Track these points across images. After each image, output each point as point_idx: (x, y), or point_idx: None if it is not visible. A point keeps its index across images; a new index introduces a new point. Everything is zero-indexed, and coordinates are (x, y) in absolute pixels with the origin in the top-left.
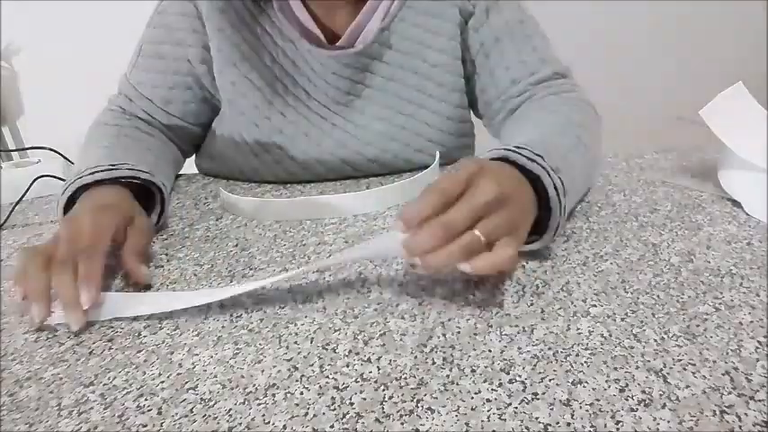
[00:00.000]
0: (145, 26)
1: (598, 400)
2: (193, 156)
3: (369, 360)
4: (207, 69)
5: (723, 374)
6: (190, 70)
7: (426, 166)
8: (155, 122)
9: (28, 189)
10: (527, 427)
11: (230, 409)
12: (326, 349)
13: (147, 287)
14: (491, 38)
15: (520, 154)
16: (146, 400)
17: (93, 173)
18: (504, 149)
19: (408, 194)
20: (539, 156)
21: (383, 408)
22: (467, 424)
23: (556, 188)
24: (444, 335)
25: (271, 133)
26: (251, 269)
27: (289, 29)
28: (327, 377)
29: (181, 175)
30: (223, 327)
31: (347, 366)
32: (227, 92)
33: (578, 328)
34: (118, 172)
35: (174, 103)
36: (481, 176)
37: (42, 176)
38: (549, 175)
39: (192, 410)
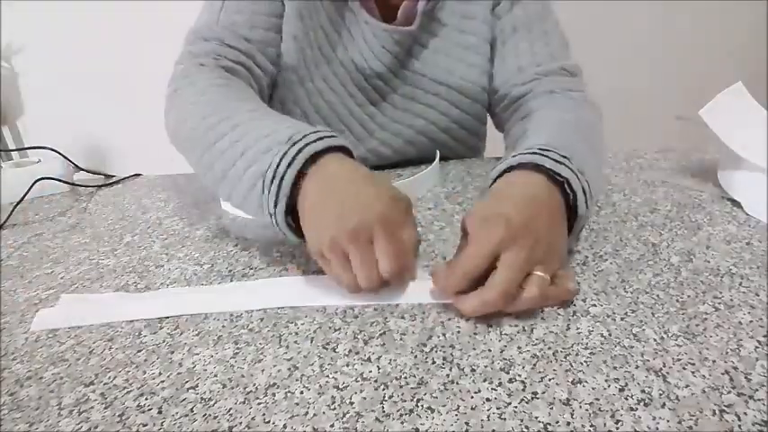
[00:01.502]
0: None
1: (598, 399)
2: None
3: (369, 360)
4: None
5: (722, 374)
6: (281, 12)
7: (445, 146)
8: (250, 64)
9: (28, 190)
10: (527, 427)
11: (230, 409)
12: (326, 349)
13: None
14: (510, 27)
15: (547, 156)
16: (146, 399)
17: (320, 138)
18: (531, 153)
19: (409, 193)
20: (565, 158)
21: (383, 407)
22: (467, 423)
23: (584, 191)
24: (444, 334)
25: (310, 95)
26: (251, 269)
27: (352, 1)
28: (327, 377)
29: (181, 175)
30: (223, 326)
31: (347, 366)
32: (287, 43)
33: (578, 328)
34: (335, 140)
35: (271, 45)
36: (509, 246)
37: (42, 179)
38: (578, 178)
39: (192, 410)
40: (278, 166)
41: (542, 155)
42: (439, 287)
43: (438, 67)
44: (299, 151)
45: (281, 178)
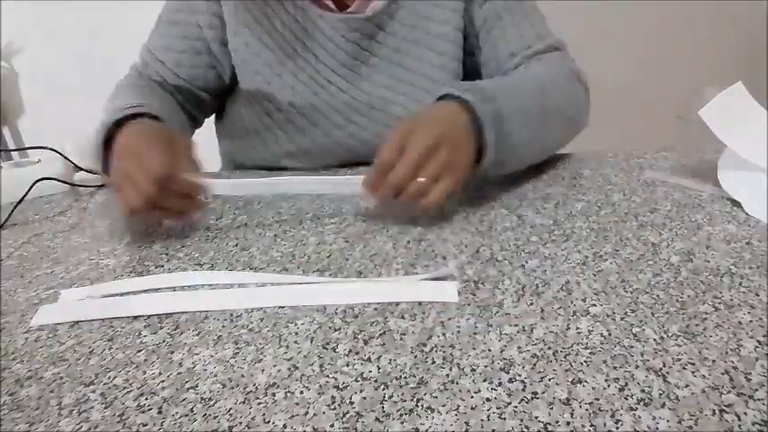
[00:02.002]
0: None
1: (598, 399)
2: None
3: (369, 359)
4: (215, 36)
5: (722, 374)
6: (199, 35)
7: None
8: (167, 85)
9: (28, 191)
10: (527, 427)
11: (230, 409)
12: (326, 349)
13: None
14: (493, 14)
15: (457, 87)
16: (146, 399)
17: (125, 108)
18: (449, 85)
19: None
20: (474, 89)
21: (383, 407)
22: (467, 423)
23: (489, 113)
24: (444, 334)
25: (282, 90)
26: (251, 269)
27: None
28: (327, 376)
29: None
30: (223, 326)
31: (347, 366)
32: (240, 53)
33: (578, 328)
34: (146, 108)
35: (183, 66)
36: (413, 133)
37: (42, 179)
38: (480, 102)
39: (192, 410)
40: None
41: (453, 86)
42: (366, 188)
43: (408, 56)
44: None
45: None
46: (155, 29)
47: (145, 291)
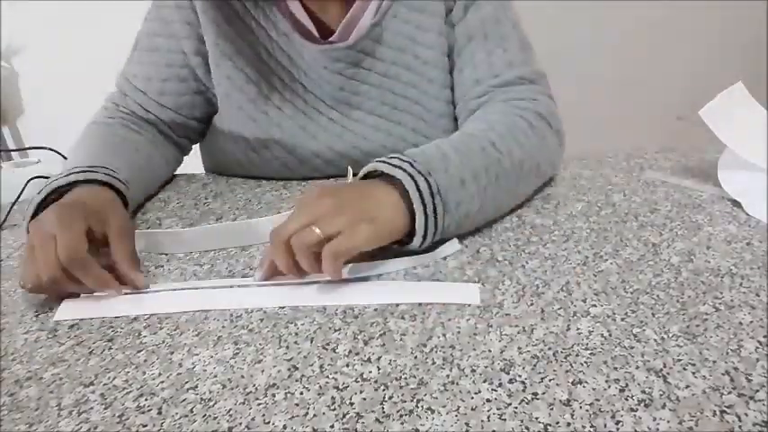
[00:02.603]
0: (142, 22)
1: (598, 400)
2: (199, 155)
3: (369, 360)
4: (201, 61)
5: (723, 374)
6: (184, 62)
7: None
8: (149, 116)
9: (23, 190)
10: (527, 427)
11: (230, 409)
12: (326, 349)
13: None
14: (465, 36)
15: (388, 163)
16: (146, 400)
17: (68, 174)
18: (379, 161)
19: None
20: (407, 162)
21: (383, 408)
22: (467, 424)
23: (425, 188)
24: (444, 335)
25: (268, 128)
26: (251, 269)
27: (283, 23)
28: (327, 377)
29: (181, 174)
30: (223, 327)
31: (347, 366)
32: (223, 86)
33: (578, 328)
34: (94, 174)
35: (167, 95)
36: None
37: (35, 178)
38: (414, 177)
39: (192, 410)
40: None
41: (384, 162)
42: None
43: (399, 81)
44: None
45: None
46: (131, 56)
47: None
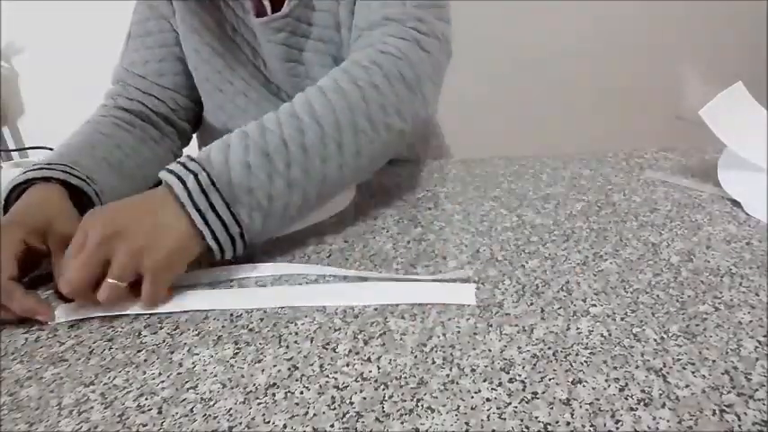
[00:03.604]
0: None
1: (598, 399)
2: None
3: (369, 360)
4: None
5: (723, 374)
6: (176, 40)
7: None
8: (152, 102)
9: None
10: (527, 427)
11: (230, 409)
12: (326, 349)
13: None
14: None
15: (165, 169)
16: (146, 399)
17: (26, 171)
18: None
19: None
20: (180, 164)
21: (383, 407)
22: (467, 423)
23: (196, 186)
24: (444, 334)
25: (234, 97)
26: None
27: (246, 2)
28: (327, 376)
29: None
30: (223, 326)
31: (347, 366)
32: (191, 60)
33: (578, 328)
34: (50, 172)
35: (166, 74)
36: (82, 233)
37: None
38: (182, 177)
39: (192, 410)
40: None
41: (166, 170)
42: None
43: (333, 43)
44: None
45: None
46: (126, 47)
47: None
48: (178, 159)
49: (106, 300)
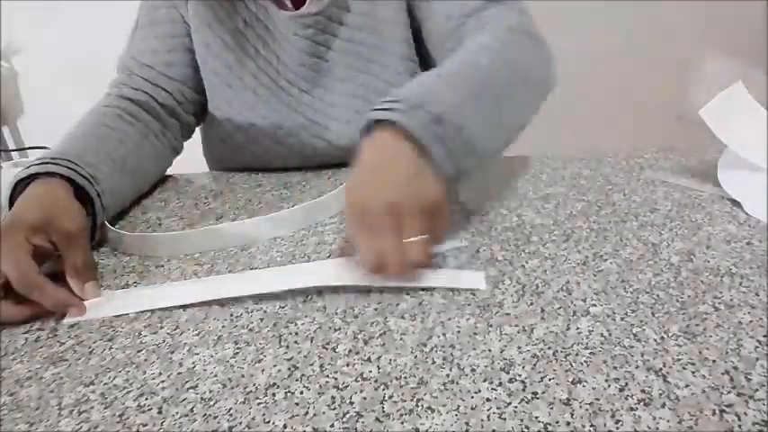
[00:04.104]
0: (138, 6)
1: (598, 399)
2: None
3: (369, 359)
4: None
5: (723, 374)
6: (187, 30)
7: None
8: (158, 92)
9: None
10: (527, 427)
11: (230, 409)
12: (326, 349)
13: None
14: None
15: (379, 109)
16: (146, 399)
17: (29, 165)
18: (373, 110)
19: (318, 215)
20: (396, 101)
21: (383, 407)
22: (467, 423)
23: (424, 123)
24: (444, 334)
25: (243, 92)
26: (251, 269)
27: None
28: (327, 376)
29: (181, 174)
30: (223, 326)
31: (347, 366)
32: (201, 53)
33: (578, 328)
34: (55, 167)
35: (174, 65)
36: (366, 207)
37: None
38: (407, 112)
39: (192, 410)
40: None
41: (375, 109)
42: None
43: (364, 45)
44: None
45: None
46: (134, 35)
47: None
48: (391, 103)
49: (424, 260)
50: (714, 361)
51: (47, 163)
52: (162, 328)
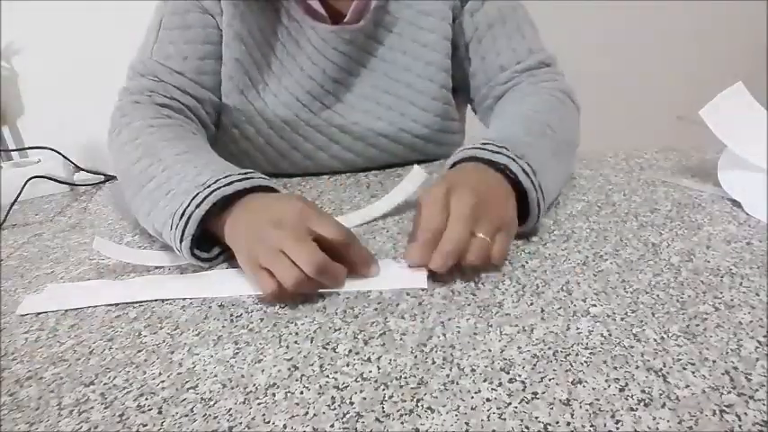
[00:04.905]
0: (158, 6)
1: (598, 399)
2: None
3: (369, 360)
4: None
5: (723, 374)
6: (219, 38)
7: (411, 146)
8: (187, 100)
9: (22, 189)
10: (527, 427)
11: (230, 409)
12: (326, 349)
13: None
14: (485, 24)
15: (485, 149)
16: (146, 399)
17: (231, 182)
18: (472, 148)
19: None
20: (503, 147)
21: (383, 407)
22: (467, 423)
23: (525, 172)
24: (444, 335)
25: (264, 109)
26: None
27: (295, 8)
28: (327, 377)
29: None
30: (223, 326)
31: (347, 366)
32: (229, 67)
33: (578, 328)
34: (253, 181)
35: (206, 74)
36: (453, 195)
37: (34, 177)
38: (516, 161)
39: (192, 410)
40: (187, 207)
41: (482, 148)
42: (413, 257)
43: (395, 65)
44: (211, 193)
45: (189, 217)
46: (159, 37)
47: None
48: (492, 143)
49: (477, 258)
50: (714, 361)
51: (244, 179)
52: (162, 328)
